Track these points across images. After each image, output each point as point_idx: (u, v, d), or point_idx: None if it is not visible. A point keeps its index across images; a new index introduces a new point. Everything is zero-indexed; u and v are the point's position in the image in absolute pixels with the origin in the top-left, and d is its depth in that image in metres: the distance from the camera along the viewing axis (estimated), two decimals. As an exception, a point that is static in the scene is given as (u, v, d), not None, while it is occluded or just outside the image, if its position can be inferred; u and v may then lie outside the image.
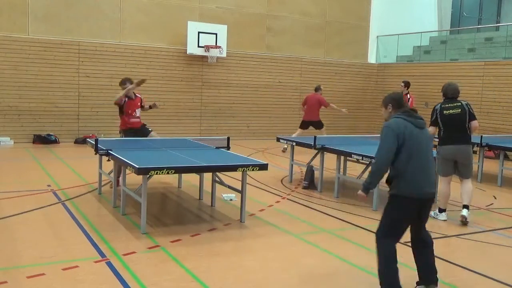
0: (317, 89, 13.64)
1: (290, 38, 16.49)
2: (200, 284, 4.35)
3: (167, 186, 8.40)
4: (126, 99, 8.35)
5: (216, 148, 7.57)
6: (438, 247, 5.63)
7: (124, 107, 8.34)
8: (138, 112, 8.48)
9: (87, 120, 13.74)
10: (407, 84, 13.69)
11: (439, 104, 6.79)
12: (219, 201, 7.32)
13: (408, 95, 13.52)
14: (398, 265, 4.10)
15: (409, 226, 4.27)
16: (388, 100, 4.40)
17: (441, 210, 6.76)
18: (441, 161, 6.70)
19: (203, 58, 14.89)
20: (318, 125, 13.65)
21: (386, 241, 4.16)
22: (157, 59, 14.43)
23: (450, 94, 6.78)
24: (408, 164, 4.09)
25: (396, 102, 4.35)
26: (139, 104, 8.50)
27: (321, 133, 13.45)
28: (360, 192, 4.25)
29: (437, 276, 4.32)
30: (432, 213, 6.58)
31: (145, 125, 8.73)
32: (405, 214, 4.17)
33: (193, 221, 6.53)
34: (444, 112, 6.69)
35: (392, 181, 4.17)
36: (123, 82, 8.43)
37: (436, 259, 5.21)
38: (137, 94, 8.59)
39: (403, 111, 4.25)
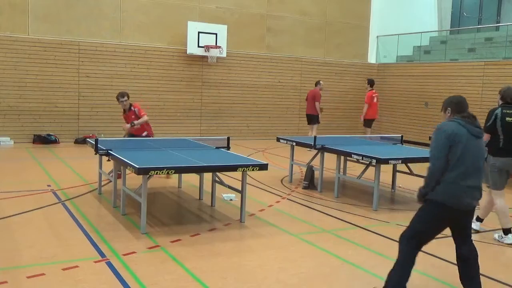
0: (316, 83, 14.17)
1: (290, 38, 16.49)
2: (200, 284, 4.36)
3: (167, 186, 8.41)
4: (122, 113, 8.90)
5: (216, 148, 7.57)
6: (438, 247, 5.65)
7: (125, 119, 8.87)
8: (134, 122, 8.71)
9: (87, 120, 13.74)
10: (370, 82, 14.32)
11: (500, 109, 6.03)
12: (219, 201, 7.32)
13: (374, 92, 14.19)
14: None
15: (453, 239, 4.21)
16: (447, 103, 4.17)
17: (506, 232, 6.04)
18: (498, 173, 6.01)
19: (203, 58, 14.89)
20: (312, 119, 13.92)
21: (408, 242, 4.05)
22: (157, 59, 14.43)
23: (510, 98, 6.09)
24: (451, 170, 3.91)
25: (456, 106, 4.11)
26: (133, 117, 8.68)
27: (310, 128, 13.84)
28: (417, 201, 4.12)
29: None
30: (495, 236, 6.15)
31: (148, 137, 8.87)
32: (435, 221, 4.01)
33: (193, 221, 6.53)
34: (507, 119, 5.98)
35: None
36: (116, 99, 8.79)
37: (436, 259, 5.23)
38: (132, 108, 8.74)
39: (462, 116, 4.02)
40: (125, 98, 8.62)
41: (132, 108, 8.72)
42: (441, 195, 3.94)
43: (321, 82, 14.24)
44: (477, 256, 4.20)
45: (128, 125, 8.58)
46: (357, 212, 7.07)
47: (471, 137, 3.96)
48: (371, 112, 14.16)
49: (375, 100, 14.21)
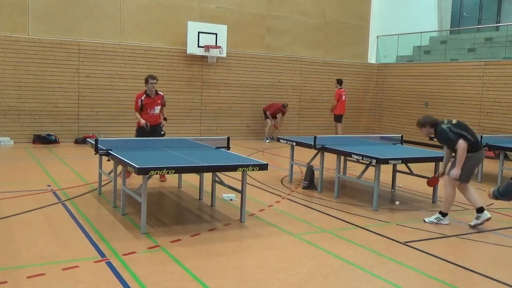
0: (285, 105, 15.66)
1: (290, 38, 16.50)
2: (200, 284, 4.35)
3: (167, 186, 8.40)
4: (144, 96, 8.64)
5: (216, 148, 7.57)
6: (438, 247, 5.65)
7: (143, 105, 8.64)
8: (157, 109, 8.73)
9: (87, 120, 13.74)
10: (339, 81, 15.49)
11: None
12: (219, 201, 7.32)
13: (342, 90, 15.32)
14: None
15: None
16: None
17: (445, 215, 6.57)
18: None
19: (203, 58, 14.89)
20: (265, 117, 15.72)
21: None
22: (157, 59, 14.43)
23: None
24: None
25: None
26: (159, 102, 8.73)
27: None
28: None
29: None
30: (433, 218, 6.56)
31: (161, 126, 8.88)
32: None
33: (193, 221, 6.53)
34: None
35: None
36: (146, 80, 8.72)
37: (436, 259, 5.23)
38: (159, 92, 8.84)
39: None
40: (155, 80, 8.61)
41: (159, 92, 8.77)
42: None
43: (286, 107, 15.64)
44: None
45: (164, 122, 8.86)
46: (357, 212, 7.07)
47: None
48: (340, 108, 15.40)
49: (343, 97, 15.42)
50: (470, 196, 6.57)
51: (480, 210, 6.48)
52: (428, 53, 17.67)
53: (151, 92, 8.63)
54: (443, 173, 6.82)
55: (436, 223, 6.49)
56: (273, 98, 16.21)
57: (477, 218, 6.47)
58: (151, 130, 8.57)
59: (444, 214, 6.54)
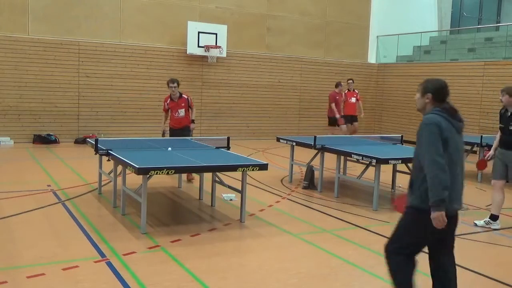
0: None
1: (290, 38, 16.49)
2: (200, 284, 4.36)
3: (167, 186, 8.41)
4: (169, 100, 8.88)
5: (216, 148, 7.57)
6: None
7: (169, 108, 8.91)
8: (181, 112, 8.85)
9: (87, 120, 13.74)
10: (350, 81, 14.50)
11: None
12: (219, 201, 7.32)
13: (356, 91, 14.44)
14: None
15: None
16: (430, 88, 3.58)
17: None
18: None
19: (203, 58, 14.89)
20: (330, 121, 14.05)
21: (398, 258, 3.61)
22: (157, 59, 14.43)
23: None
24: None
25: (438, 93, 3.55)
26: (182, 105, 8.85)
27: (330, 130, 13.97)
28: (434, 214, 3.32)
29: None
30: (483, 222, 6.54)
31: (189, 129, 8.93)
32: (428, 232, 3.46)
33: (193, 221, 6.53)
34: None
35: (416, 190, 3.45)
36: (167, 84, 8.95)
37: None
38: (183, 95, 8.93)
39: (443, 108, 3.49)
40: (175, 84, 8.74)
41: (183, 96, 8.88)
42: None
43: (341, 83, 13.97)
44: (456, 271, 3.79)
45: (193, 125, 9.01)
46: (357, 212, 7.07)
47: (456, 134, 3.47)
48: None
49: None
50: (496, 197, 6.55)
51: (494, 218, 6.52)
52: (428, 53, 17.66)
53: (174, 95, 8.80)
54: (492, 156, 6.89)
55: (486, 226, 6.51)
56: (273, 98, 16.23)
57: (487, 223, 6.52)
58: (178, 132, 8.77)
59: (494, 217, 6.52)
